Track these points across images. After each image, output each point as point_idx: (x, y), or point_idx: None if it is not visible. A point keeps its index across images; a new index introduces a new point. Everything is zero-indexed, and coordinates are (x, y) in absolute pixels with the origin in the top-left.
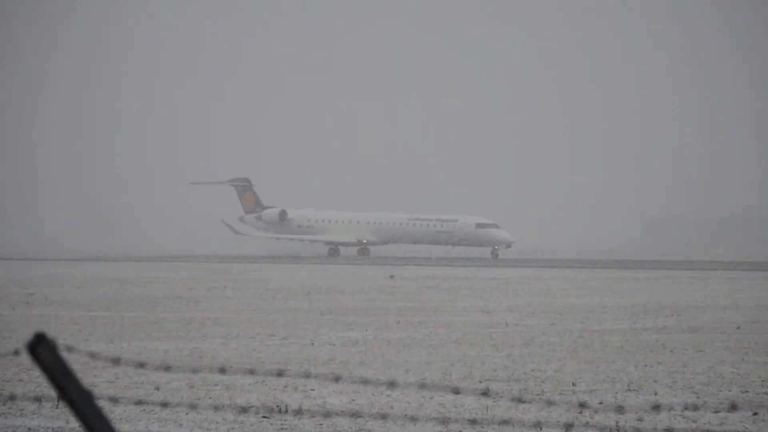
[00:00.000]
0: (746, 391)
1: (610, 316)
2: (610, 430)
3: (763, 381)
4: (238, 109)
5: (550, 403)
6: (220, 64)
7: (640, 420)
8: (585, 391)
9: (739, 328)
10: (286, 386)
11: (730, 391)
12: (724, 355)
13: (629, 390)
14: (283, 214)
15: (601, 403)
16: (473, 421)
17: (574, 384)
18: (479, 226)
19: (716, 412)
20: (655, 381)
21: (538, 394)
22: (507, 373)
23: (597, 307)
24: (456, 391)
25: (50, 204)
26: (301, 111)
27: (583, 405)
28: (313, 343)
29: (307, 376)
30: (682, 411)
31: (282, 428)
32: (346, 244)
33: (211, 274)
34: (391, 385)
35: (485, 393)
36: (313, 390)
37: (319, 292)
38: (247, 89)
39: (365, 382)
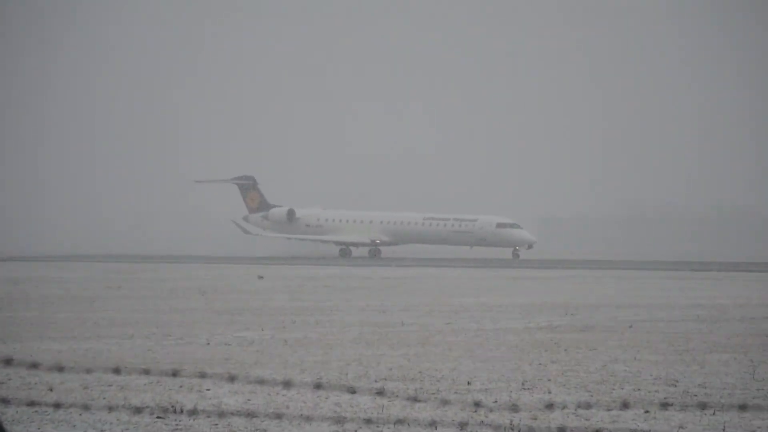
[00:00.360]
0: (638, 389)
1: (505, 315)
2: (505, 428)
3: (654, 379)
4: (237, 109)
5: (445, 402)
6: (219, 63)
7: (534, 418)
8: (480, 390)
9: (631, 326)
10: (181, 386)
11: (622, 389)
12: (617, 353)
13: (524, 389)
14: (291, 214)
15: (496, 401)
16: (368, 421)
17: (469, 383)
18: (500, 225)
19: (609, 410)
20: (549, 379)
21: (434, 393)
22: (402, 372)
23: (493, 306)
24: (352, 391)
25: (50, 203)
26: (300, 110)
27: (478, 404)
28: (208, 343)
29: (203, 376)
30: (576, 409)
31: (176, 428)
32: (357, 245)
33: (108, 274)
34: (287, 384)
35: (381, 392)
36: (209, 390)
37: (216, 291)
38: (246, 89)
39: (261, 381)
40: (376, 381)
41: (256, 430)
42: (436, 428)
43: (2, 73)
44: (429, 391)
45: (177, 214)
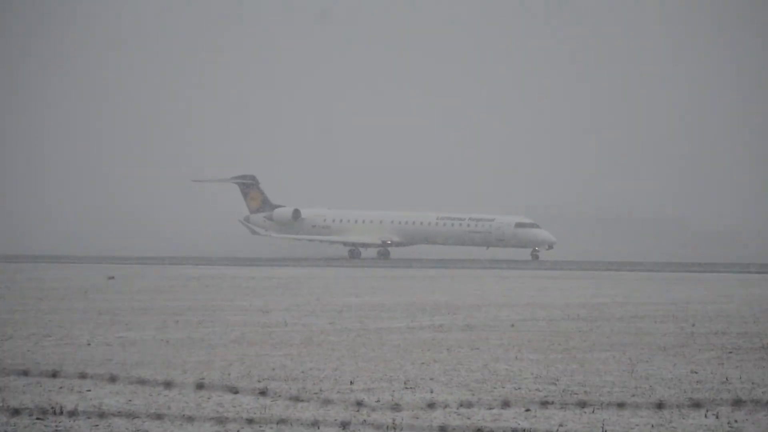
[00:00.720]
0: (519, 388)
1: (388, 314)
2: (387, 428)
3: (535, 378)
4: (235, 108)
5: (327, 401)
6: (219, 62)
7: (416, 418)
8: (363, 390)
9: (513, 325)
10: (61, 387)
11: (503, 387)
12: (499, 352)
13: (406, 388)
14: (296, 214)
15: (379, 401)
16: (251, 421)
17: (352, 382)
18: (519, 225)
19: (490, 408)
20: (432, 379)
21: (316, 393)
22: (285, 372)
23: (376, 305)
24: (234, 391)
25: (53, 203)
26: (299, 109)
27: (360, 403)
28: (89, 344)
29: (83, 376)
30: (457, 408)
31: (57, 430)
32: (368, 245)
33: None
34: (169, 385)
35: (263, 392)
36: (90, 391)
37: (98, 291)
38: (244, 88)
39: (142, 382)
40: (258, 381)
41: (137, 430)
42: (318, 428)
43: (4, 73)
44: (311, 391)
45: (177, 213)
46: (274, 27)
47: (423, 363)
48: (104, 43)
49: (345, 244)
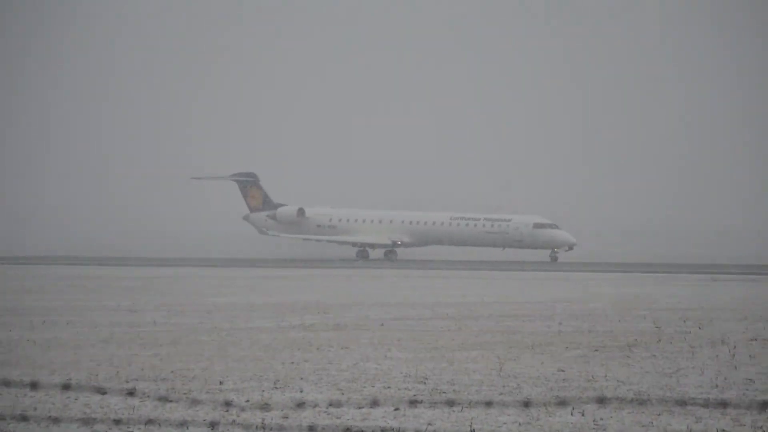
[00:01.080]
0: (388, 387)
1: (258, 314)
2: (256, 427)
3: (405, 377)
4: (235, 107)
5: (196, 401)
6: (219, 62)
7: (286, 417)
8: (232, 390)
9: (382, 324)
10: None
11: (373, 387)
12: (368, 351)
13: (276, 387)
14: (301, 213)
15: (248, 401)
16: (118, 421)
17: (221, 382)
18: (537, 226)
19: (359, 408)
20: (302, 378)
21: (185, 393)
22: (154, 372)
23: (246, 305)
24: (102, 392)
25: (52, 203)
26: (298, 109)
27: (229, 403)
28: None
29: None
30: (327, 408)
31: None
32: (377, 246)
33: None
34: (34, 386)
35: (131, 393)
36: None
37: None
38: (244, 88)
39: (7, 383)
40: (127, 381)
41: None
42: (187, 428)
43: (6, 72)
44: (180, 391)
45: (176, 212)
46: (275, 27)
47: (293, 362)
48: (104, 43)
49: (353, 244)
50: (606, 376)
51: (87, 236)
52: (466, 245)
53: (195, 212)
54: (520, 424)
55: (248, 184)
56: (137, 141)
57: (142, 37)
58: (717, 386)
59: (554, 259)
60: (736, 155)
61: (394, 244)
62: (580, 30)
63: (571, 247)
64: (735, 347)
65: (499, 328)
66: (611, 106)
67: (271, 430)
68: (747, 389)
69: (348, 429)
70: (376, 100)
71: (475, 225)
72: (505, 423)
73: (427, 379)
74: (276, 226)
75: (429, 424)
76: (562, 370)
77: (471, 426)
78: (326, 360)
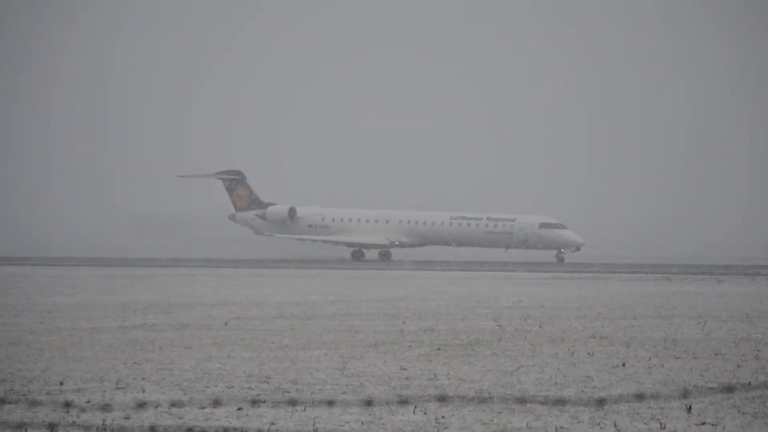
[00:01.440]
0: (231, 387)
1: (99, 313)
2: (97, 428)
3: (248, 376)
4: (234, 107)
5: (35, 403)
6: (219, 62)
7: (127, 418)
8: (72, 390)
9: (226, 324)
10: None
11: (216, 386)
12: (212, 351)
13: (117, 388)
14: (292, 212)
15: (89, 401)
16: None
17: (62, 383)
18: (543, 226)
19: (202, 407)
20: (144, 378)
21: (24, 395)
22: None
23: (88, 305)
24: None
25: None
26: (297, 108)
27: (69, 404)
28: None
29: None
30: (169, 408)
31: None
32: (372, 246)
33: None
34: None
35: None
36: None
37: None
38: (244, 88)
39: None
40: None
41: None
42: (25, 430)
43: (8, 71)
44: (19, 392)
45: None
46: (274, 27)
47: (135, 362)
48: (104, 43)
49: (348, 244)
50: (448, 374)
51: None
52: (469, 246)
53: (191, 211)
54: (362, 423)
55: (234, 182)
56: (137, 141)
57: (142, 37)
58: (556, 384)
59: (561, 260)
60: (736, 155)
61: (392, 245)
62: (581, 30)
63: (578, 248)
64: (574, 345)
65: (343, 327)
66: (611, 106)
67: (112, 431)
68: (585, 386)
69: (190, 429)
70: (376, 100)
71: (477, 225)
72: (347, 422)
73: (270, 378)
74: (265, 225)
75: (272, 423)
76: (405, 369)
77: (314, 425)
78: (169, 360)
